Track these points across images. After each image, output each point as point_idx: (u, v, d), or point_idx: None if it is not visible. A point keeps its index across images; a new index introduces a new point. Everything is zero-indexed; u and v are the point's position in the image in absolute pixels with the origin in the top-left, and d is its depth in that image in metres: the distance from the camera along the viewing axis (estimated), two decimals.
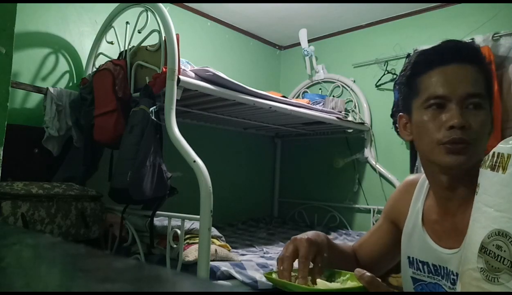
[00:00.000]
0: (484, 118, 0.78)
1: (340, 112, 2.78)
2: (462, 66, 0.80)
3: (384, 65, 2.85)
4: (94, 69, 2.13)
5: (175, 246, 1.55)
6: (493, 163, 0.61)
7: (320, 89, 3.26)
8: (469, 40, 2.39)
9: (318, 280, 0.75)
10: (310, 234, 0.83)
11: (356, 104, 3.00)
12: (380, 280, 0.70)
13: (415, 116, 0.85)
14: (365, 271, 0.71)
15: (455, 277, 0.78)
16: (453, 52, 0.83)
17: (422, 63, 0.85)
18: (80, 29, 2.26)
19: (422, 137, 0.83)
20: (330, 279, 0.79)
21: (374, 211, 2.79)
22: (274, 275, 0.77)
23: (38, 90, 2.02)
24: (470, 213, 0.73)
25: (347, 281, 0.76)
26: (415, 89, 0.85)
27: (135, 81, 1.84)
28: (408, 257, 0.91)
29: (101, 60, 2.16)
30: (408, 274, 0.91)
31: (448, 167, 0.79)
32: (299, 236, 0.82)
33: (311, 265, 0.78)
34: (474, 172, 0.74)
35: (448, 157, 0.78)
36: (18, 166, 1.83)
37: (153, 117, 1.60)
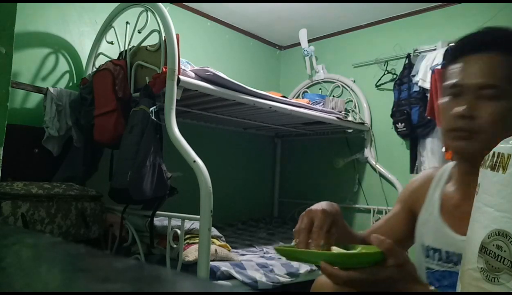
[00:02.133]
0: (498, 109, 0.76)
1: (340, 112, 2.78)
2: (484, 56, 0.79)
3: (384, 65, 2.85)
4: (94, 69, 2.13)
5: (175, 246, 1.55)
6: (493, 163, 0.61)
7: (320, 89, 3.26)
8: None
9: (333, 247, 0.71)
10: (324, 204, 0.82)
11: (356, 104, 3.00)
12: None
13: (439, 102, 0.88)
14: (383, 237, 0.67)
15: None
16: (477, 41, 0.81)
17: (452, 52, 0.86)
18: (80, 29, 2.26)
19: (440, 123, 0.87)
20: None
21: (374, 211, 2.79)
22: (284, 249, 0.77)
23: (38, 90, 2.02)
24: None
25: (361, 250, 0.72)
26: (444, 77, 0.87)
27: (135, 81, 1.84)
28: (422, 245, 0.91)
29: (101, 60, 2.16)
30: (422, 262, 0.91)
31: (454, 152, 0.83)
32: (313, 207, 0.81)
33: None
34: None
35: (454, 142, 0.81)
36: (18, 166, 1.83)
37: (153, 117, 1.60)
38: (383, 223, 1.03)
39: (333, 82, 3.17)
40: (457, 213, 0.85)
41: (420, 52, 2.64)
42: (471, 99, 0.78)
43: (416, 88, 2.52)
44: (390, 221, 1.02)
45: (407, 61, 2.67)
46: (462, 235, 0.80)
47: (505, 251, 0.56)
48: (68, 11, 2.21)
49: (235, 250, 1.89)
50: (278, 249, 0.75)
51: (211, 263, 1.49)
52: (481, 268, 0.59)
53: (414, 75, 2.54)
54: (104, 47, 2.23)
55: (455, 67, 0.82)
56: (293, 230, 0.81)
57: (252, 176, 3.27)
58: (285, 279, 1.66)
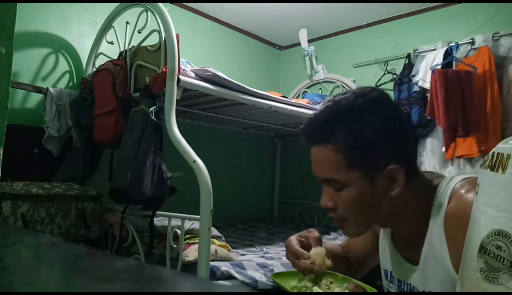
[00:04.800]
0: (347, 197, 0.75)
1: None
2: (318, 148, 0.77)
3: (384, 65, 2.85)
4: (94, 69, 2.13)
5: (175, 246, 1.55)
6: (493, 163, 0.61)
7: (320, 89, 3.26)
8: (469, 40, 2.40)
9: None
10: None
11: None
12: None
13: None
14: (354, 286, 0.75)
15: None
16: (306, 135, 0.80)
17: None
18: (80, 29, 2.26)
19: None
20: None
21: None
22: (279, 279, 0.81)
23: (38, 90, 2.02)
24: (423, 240, 0.77)
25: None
26: None
27: (135, 81, 1.84)
28: (383, 269, 0.92)
29: (101, 60, 2.16)
30: (385, 285, 0.92)
31: None
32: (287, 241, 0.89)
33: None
34: (396, 218, 0.78)
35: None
36: (18, 166, 1.83)
37: (153, 117, 1.60)
38: (353, 238, 1.04)
39: (333, 82, 3.17)
40: (404, 241, 0.85)
41: (420, 52, 2.64)
42: (328, 189, 0.78)
43: (416, 88, 2.52)
44: (358, 237, 1.02)
45: (407, 61, 2.67)
46: (413, 264, 0.81)
47: (504, 251, 0.56)
48: (68, 11, 2.21)
49: (235, 250, 1.89)
50: (275, 280, 0.82)
51: (211, 263, 1.49)
52: (481, 268, 0.59)
53: (414, 75, 2.54)
54: (104, 47, 2.23)
55: None
56: (288, 257, 0.86)
57: (252, 176, 3.27)
58: None
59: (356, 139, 0.73)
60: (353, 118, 0.74)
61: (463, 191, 0.72)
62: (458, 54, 2.40)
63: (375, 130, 0.73)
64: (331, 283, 0.81)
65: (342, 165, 0.74)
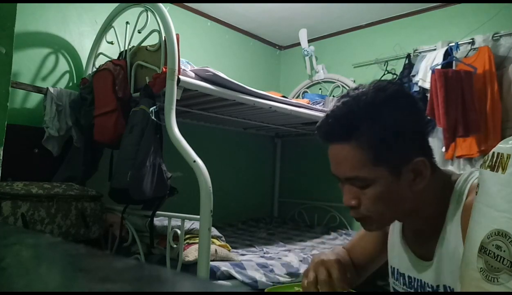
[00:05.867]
0: (372, 194, 0.74)
1: None
2: (339, 146, 0.75)
3: (384, 65, 2.85)
4: (94, 69, 2.13)
5: (175, 246, 1.55)
6: (493, 163, 0.61)
7: (320, 89, 3.26)
8: (469, 40, 2.40)
9: None
10: (336, 254, 0.87)
11: None
12: None
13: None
14: None
15: (430, 290, 0.79)
16: (324, 132, 0.77)
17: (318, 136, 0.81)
18: (80, 29, 2.26)
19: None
20: None
21: None
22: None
23: (38, 90, 2.02)
24: (437, 235, 0.76)
25: None
26: None
27: (135, 81, 1.84)
28: (391, 266, 0.92)
29: (101, 60, 2.16)
30: (391, 283, 0.92)
31: None
32: (326, 258, 0.84)
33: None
34: (416, 211, 0.77)
35: (361, 225, 0.81)
36: (18, 166, 1.83)
37: (153, 117, 1.60)
38: (359, 239, 1.03)
39: (333, 82, 3.17)
40: (417, 237, 0.85)
41: (420, 52, 2.64)
42: (350, 187, 0.76)
43: (416, 88, 2.52)
44: (365, 238, 1.02)
45: (407, 61, 2.67)
46: (424, 260, 0.81)
47: (504, 251, 0.56)
48: (68, 11, 2.21)
49: (235, 250, 1.89)
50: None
51: (211, 263, 1.49)
52: (481, 268, 0.59)
53: (414, 75, 2.54)
54: (104, 47, 2.23)
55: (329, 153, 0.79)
56: (306, 280, 0.83)
57: (252, 176, 3.27)
58: (285, 279, 1.66)
59: (380, 135, 0.71)
60: (375, 114, 0.72)
61: None
62: (458, 54, 2.40)
63: (398, 124, 0.72)
64: None
65: (367, 162, 0.72)
